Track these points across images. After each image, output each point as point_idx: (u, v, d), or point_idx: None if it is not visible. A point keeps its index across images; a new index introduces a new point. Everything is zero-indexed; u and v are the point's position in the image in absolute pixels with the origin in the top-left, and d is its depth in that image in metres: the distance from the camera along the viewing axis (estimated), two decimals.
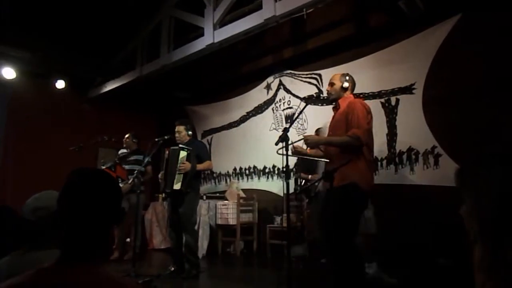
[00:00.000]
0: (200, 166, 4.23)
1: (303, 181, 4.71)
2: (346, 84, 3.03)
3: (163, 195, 4.31)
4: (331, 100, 3.10)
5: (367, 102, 4.78)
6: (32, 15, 5.39)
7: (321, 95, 4.53)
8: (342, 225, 2.72)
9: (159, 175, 4.40)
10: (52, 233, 1.41)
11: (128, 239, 5.51)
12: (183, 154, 4.14)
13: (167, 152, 4.29)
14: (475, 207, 0.79)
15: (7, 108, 6.38)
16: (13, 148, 6.26)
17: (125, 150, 5.63)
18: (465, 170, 0.85)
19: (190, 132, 4.36)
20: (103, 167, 5.33)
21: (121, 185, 5.01)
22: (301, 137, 3.05)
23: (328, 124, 3.27)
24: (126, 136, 5.61)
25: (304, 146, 3.16)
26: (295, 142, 3.04)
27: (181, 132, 4.31)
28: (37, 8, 5.28)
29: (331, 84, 3.08)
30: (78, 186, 0.99)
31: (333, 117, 3.13)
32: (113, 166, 5.42)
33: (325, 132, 3.54)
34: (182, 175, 4.09)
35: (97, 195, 0.99)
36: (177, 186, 4.07)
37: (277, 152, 2.80)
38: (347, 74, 3.08)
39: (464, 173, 0.85)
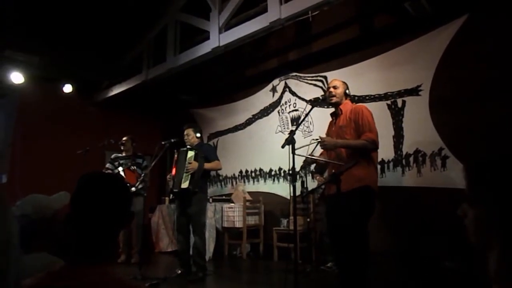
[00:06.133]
0: (208, 165, 4.28)
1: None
2: (348, 91, 3.17)
3: (171, 196, 4.35)
4: (333, 103, 3.16)
5: (373, 104, 4.82)
6: (39, 20, 5.44)
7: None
8: (362, 228, 2.80)
9: (168, 177, 4.45)
10: (36, 238, 1.39)
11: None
12: (190, 154, 4.23)
13: (176, 154, 4.36)
14: (489, 213, 0.76)
15: (16, 112, 6.45)
16: (21, 152, 6.31)
17: (119, 154, 5.57)
18: (474, 177, 0.83)
19: (198, 135, 4.44)
20: (121, 168, 5.31)
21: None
22: (313, 139, 3.07)
23: (327, 131, 3.29)
24: (124, 139, 5.57)
25: (316, 150, 3.16)
26: (311, 144, 3.07)
27: (190, 134, 4.40)
28: (44, 13, 5.33)
29: (335, 87, 3.13)
30: (90, 189, 1.01)
31: (334, 122, 3.16)
32: (131, 166, 5.38)
33: None
34: (189, 174, 4.13)
35: (108, 198, 1.01)
36: (184, 185, 4.12)
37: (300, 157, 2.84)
38: (346, 83, 3.23)
39: (474, 179, 0.83)
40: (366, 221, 2.84)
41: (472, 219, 0.80)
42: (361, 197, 2.81)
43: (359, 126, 2.93)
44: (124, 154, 5.55)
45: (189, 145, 4.37)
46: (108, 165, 5.51)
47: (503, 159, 0.79)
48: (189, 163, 4.16)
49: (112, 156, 5.61)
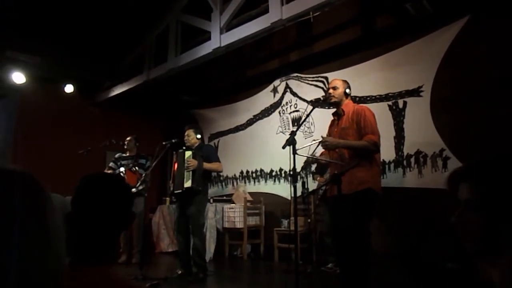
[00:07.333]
0: (207, 165, 4.27)
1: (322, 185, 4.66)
2: (348, 90, 3.14)
3: (173, 198, 4.34)
4: (332, 103, 3.16)
5: (374, 104, 4.81)
6: (41, 20, 5.45)
7: None
8: (364, 230, 2.80)
9: (169, 182, 4.46)
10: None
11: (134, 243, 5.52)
12: (188, 154, 4.24)
13: (175, 156, 4.36)
14: (495, 220, 0.69)
15: (17, 112, 6.46)
16: (22, 152, 6.32)
17: (123, 154, 5.56)
18: (475, 181, 0.77)
19: (199, 136, 4.44)
20: (123, 169, 5.31)
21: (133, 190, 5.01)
22: (313, 139, 3.08)
23: (328, 129, 3.29)
24: (128, 139, 5.58)
25: (317, 150, 3.17)
26: (313, 143, 3.09)
27: (190, 135, 4.40)
28: (46, 13, 5.35)
29: (334, 88, 3.14)
30: (91, 190, 1.01)
31: (337, 123, 3.15)
32: (133, 167, 5.37)
33: None
34: (190, 172, 4.13)
35: (110, 199, 1.01)
36: (187, 184, 4.12)
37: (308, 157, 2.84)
38: (347, 81, 3.21)
39: (474, 184, 0.77)
40: (368, 223, 2.85)
41: (473, 227, 0.74)
42: (364, 200, 2.80)
43: (361, 127, 2.92)
44: (127, 154, 5.56)
45: (189, 145, 4.37)
46: (111, 164, 5.52)
47: (503, 160, 0.73)
48: (188, 161, 4.16)
49: (116, 155, 5.61)
